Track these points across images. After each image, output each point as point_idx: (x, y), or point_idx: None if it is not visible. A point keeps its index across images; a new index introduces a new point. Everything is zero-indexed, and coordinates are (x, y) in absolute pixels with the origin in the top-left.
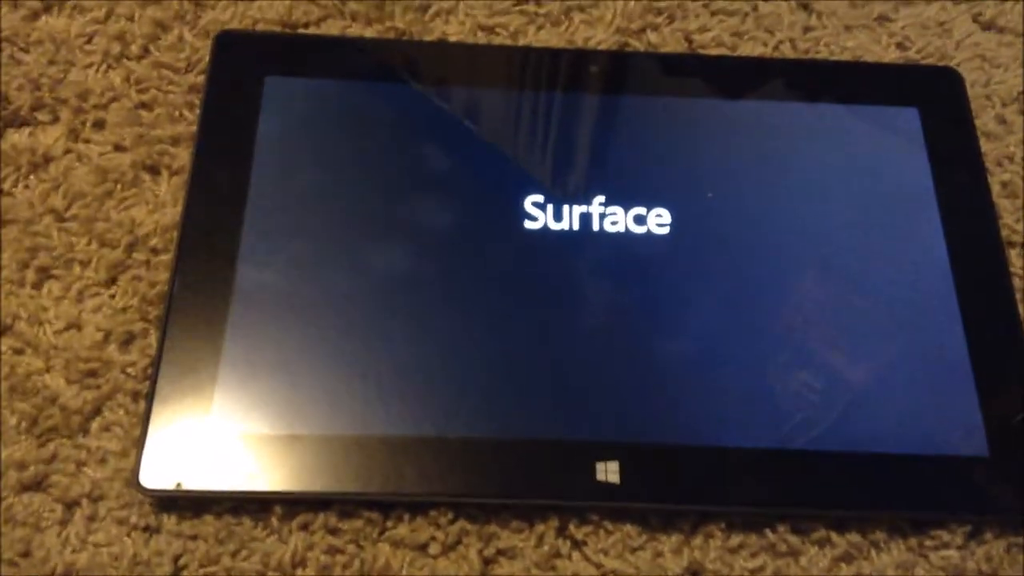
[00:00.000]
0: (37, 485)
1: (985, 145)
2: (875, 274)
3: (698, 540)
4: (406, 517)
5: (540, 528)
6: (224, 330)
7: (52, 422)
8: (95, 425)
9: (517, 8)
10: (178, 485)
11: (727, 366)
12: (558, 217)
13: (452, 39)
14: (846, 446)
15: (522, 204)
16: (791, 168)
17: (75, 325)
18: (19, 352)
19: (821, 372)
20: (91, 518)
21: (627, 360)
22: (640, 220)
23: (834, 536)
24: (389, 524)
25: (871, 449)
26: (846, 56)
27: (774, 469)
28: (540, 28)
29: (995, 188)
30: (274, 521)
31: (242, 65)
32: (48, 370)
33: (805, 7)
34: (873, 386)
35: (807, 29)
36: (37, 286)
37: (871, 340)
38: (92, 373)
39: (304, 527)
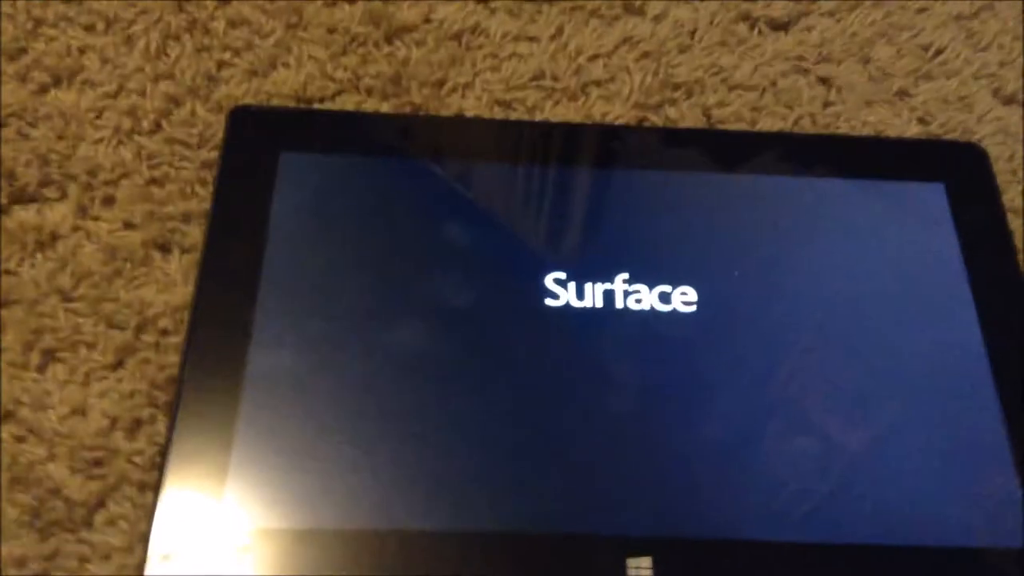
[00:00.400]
0: None
1: (1013, 221)
2: (908, 353)
3: None
4: None
5: None
6: (236, 416)
7: (55, 515)
8: (99, 519)
9: (534, 83)
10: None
11: (761, 453)
12: (580, 295)
13: (469, 114)
14: (889, 539)
15: (543, 281)
16: (817, 245)
17: (80, 411)
18: (21, 440)
19: (859, 461)
20: None
21: (656, 447)
22: (665, 298)
23: None
24: None
25: (913, 542)
26: (867, 131)
27: (815, 564)
28: (557, 103)
29: None
30: None
31: (257, 141)
32: (52, 459)
33: (824, 81)
34: (912, 476)
35: (826, 104)
36: (41, 369)
37: (907, 425)
38: (97, 463)
39: None
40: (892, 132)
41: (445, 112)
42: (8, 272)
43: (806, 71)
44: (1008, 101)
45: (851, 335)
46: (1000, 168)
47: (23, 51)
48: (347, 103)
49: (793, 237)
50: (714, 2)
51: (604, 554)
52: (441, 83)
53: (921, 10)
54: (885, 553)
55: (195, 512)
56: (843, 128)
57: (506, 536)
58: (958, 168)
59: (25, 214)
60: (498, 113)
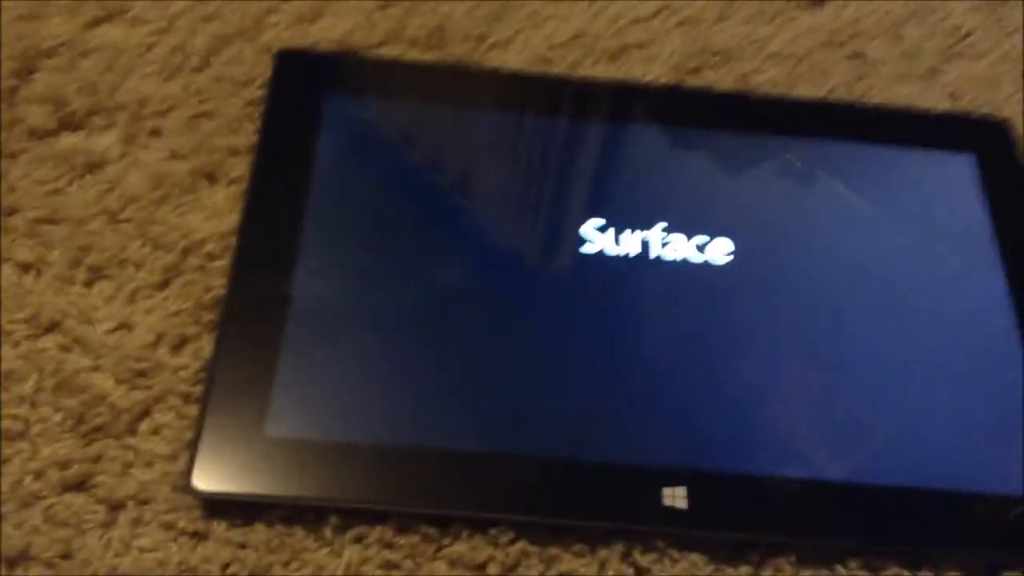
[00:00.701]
0: (80, 485)
1: None
2: (935, 309)
3: (767, 572)
4: (464, 534)
5: (603, 553)
6: (280, 336)
7: (99, 421)
8: (144, 426)
9: (574, 42)
10: (229, 489)
11: (796, 396)
12: (618, 242)
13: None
14: (920, 482)
15: (582, 228)
16: (849, 206)
17: (126, 325)
18: (67, 349)
19: (892, 406)
20: (136, 521)
21: (695, 386)
22: (702, 248)
23: (907, 575)
24: (446, 541)
25: (947, 486)
26: (898, 104)
27: (846, 503)
28: (596, 62)
29: None
30: (327, 533)
31: (302, 83)
32: (96, 369)
33: (857, 55)
34: (946, 422)
35: (859, 77)
36: (88, 285)
37: (936, 376)
38: (142, 374)
39: (358, 540)
40: (923, 107)
41: (486, 66)
42: (56, 192)
43: (840, 44)
44: None
45: (881, 291)
46: None
47: None
48: (390, 53)
49: (826, 199)
50: None
51: (641, 482)
52: (483, 38)
53: None
54: (914, 494)
55: (240, 423)
56: (875, 100)
57: (547, 462)
58: (988, 141)
59: (74, 139)
60: (538, 70)
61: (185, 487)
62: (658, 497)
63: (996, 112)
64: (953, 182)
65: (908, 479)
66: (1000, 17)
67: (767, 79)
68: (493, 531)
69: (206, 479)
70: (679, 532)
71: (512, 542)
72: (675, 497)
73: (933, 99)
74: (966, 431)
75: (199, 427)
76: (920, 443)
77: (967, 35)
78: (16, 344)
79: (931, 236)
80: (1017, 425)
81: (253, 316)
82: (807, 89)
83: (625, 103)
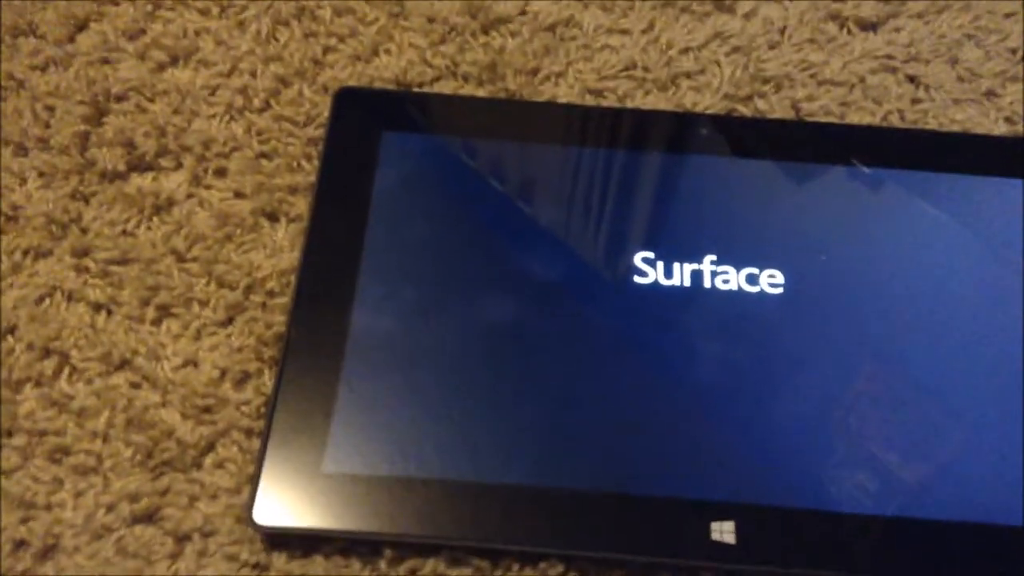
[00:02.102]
0: (149, 518)
1: None
2: (988, 341)
3: None
4: (515, 567)
5: None
6: (339, 371)
7: (167, 455)
8: (209, 460)
9: (625, 73)
10: (288, 524)
11: (843, 429)
12: (668, 274)
13: (562, 102)
14: (974, 517)
15: (633, 260)
16: (901, 233)
17: (192, 362)
18: (136, 386)
19: (940, 440)
20: (202, 553)
21: (743, 419)
22: (752, 280)
23: None
24: (497, 574)
25: (1003, 522)
26: (955, 129)
27: (897, 538)
28: (648, 93)
29: None
30: (383, 565)
31: (360, 121)
32: (164, 404)
33: (912, 80)
34: (1001, 457)
35: (914, 101)
36: (156, 323)
37: (991, 410)
38: (207, 409)
39: (412, 572)
40: (980, 131)
41: (538, 99)
42: (126, 233)
43: (894, 69)
44: None
45: (931, 324)
46: None
47: (142, 31)
48: (445, 89)
49: (878, 226)
50: (804, 1)
51: (690, 517)
52: (535, 72)
53: (1009, 14)
54: (965, 529)
55: (300, 458)
56: (931, 125)
57: (596, 496)
58: None
59: (142, 181)
60: (590, 101)
61: (247, 521)
62: (706, 531)
63: None
64: (1008, 208)
65: (959, 514)
66: None
67: (820, 106)
68: (543, 564)
69: (266, 514)
70: (727, 567)
71: (562, 575)
72: (723, 532)
73: (989, 123)
74: (1012, 464)
75: (259, 463)
76: (974, 478)
77: None
78: (89, 382)
79: (985, 265)
80: None
81: (312, 353)
82: (860, 115)
83: (676, 133)
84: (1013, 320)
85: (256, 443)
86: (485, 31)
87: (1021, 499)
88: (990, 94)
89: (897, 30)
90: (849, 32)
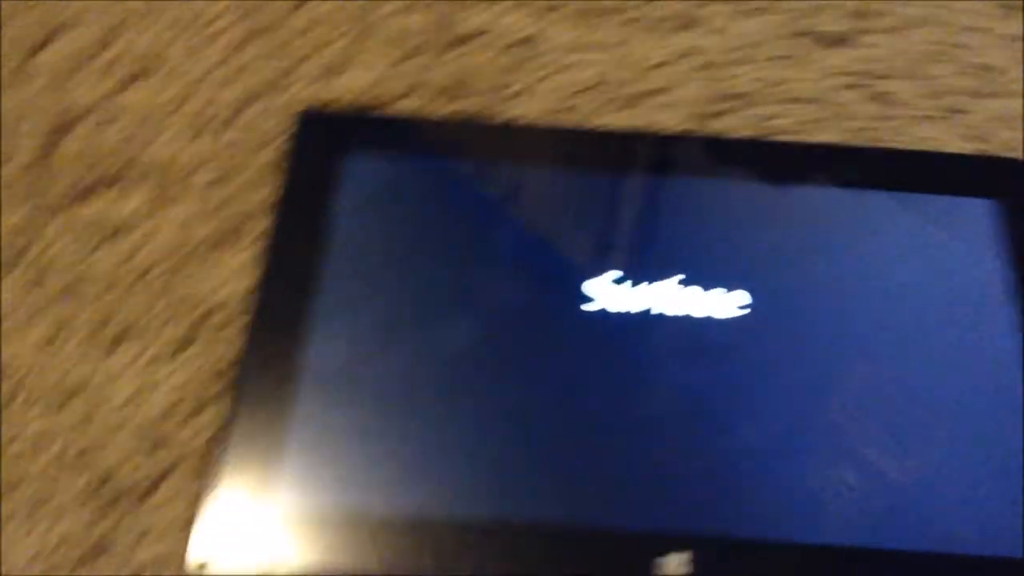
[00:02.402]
0: (97, 555)
1: None
2: (950, 366)
3: None
4: None
5: None
6: (294, 400)
7: (116, 491)
8: (159, 496)
9: (592, 91)
10: (236, 566)
11: (802, 457)
12: (630, 298)
13: (528, 119)
14: (932, 546)
15: (595, 283)
16: (868, 255)
17: (145, 392)
18: (87, 418)
19: (900, 467)
20: None
21: (701, 447)
22: (716, 303)
23: None
24: None
25: (958, 550)
26: (921, 147)
27: (852, 568)
28: (617, 110)
29: None
30: None
31: (324, 143)
32: (115, 437)
33: (880, 97)
34: (959, 483)
35: (882, 119)
36: (109, 351)
37: (947, 436)
38: (159, 442)
39: None
40: (947, 149)
41: (505, 116)
42: (81, 259)
43: (863, 86)
44: None
45: (896, 346)
46: None
47: (104, 49)
48: (411, 106)
49: (843, 248)
50: (773, 17)
51: (646, 548)
52: (504, 87)
53: (979, 29)
54: (925, 559)
55: (250, 496)
56: (898, 143)
57: (547, 528)
58: (1008, 184)
59: (100, 204)
60: (556, 120)
61: (194, 562)
62: (660, 563)
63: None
64: (974, 228)
65: (919, 543)
66: None
67: (788, 124)
68: None
69: (211, 556)
70: None
71: None
72: (679, 564)
73: (958, 140)
74: (979, 492)
75: (206, 501)
76: (932, 506)
77: (994, 73)
78: (41, 413)
79: (947, 286)
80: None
81: (265, 383)
82: (828, 133)
83: (642, 154)
84: (981, 341)
85: (207, 477)
86: (452, 48)
87: (987, 530)
88: (958, 111)
89: (866, 46)
90: (818, 48)
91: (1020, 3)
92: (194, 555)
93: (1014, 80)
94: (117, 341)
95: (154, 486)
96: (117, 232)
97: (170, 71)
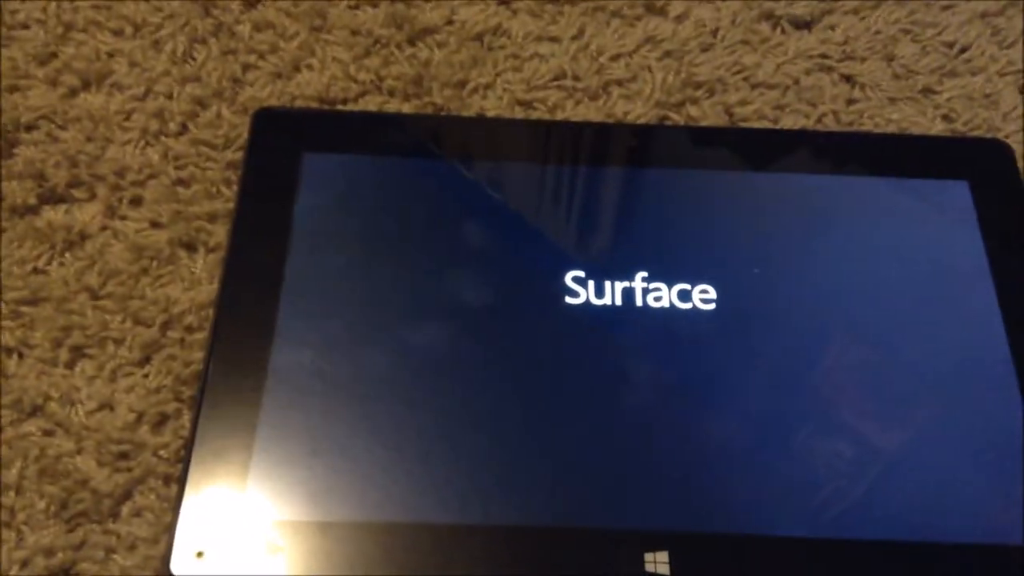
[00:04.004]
0: (65, 572)
1: None
2: (931, 350)
3: None
4: None
5: None
6: (258, 411)
7: (82, 506)
8: (126, 510)
9: (555, 83)
10: (209, 572)
11: (778, 450)
12: (600, 293)
13: (490, 114)
14: (913, 535)
15: (563, 279)
16: (838, 243)
17: (108, 405)
18: (49, 433)
19: (878, 457)
20: None
21: (674, 443)
22: (685, 296)
23: None
24: None
25: (941, 539)
26: (891, 129)
27: (832, 560)
28: (578, 103)
29: None
30: None
31: (280, 142)
32: (79, 452)
33: (848, 79)
34: (933, 472)
35: (850, 102)
36: (70, 365)
37: (928, 423)
38: (124, 455)
39: None
40: (917, 130)
41: (467, 112)
42: (38, 271)
43: (829, 69)
44: None
45: (873, 333)
46: None
47: (53, 55)
48: (370, 104)
49: (815, 235)
50: (736, 1)
51: (622, 548)
52: (463, 84)
53: (946, 7)
54: (902, 549)
55: (218, 504)
56: (867, 126)
57: (523, 530)
58: (982, 165)
59: (54, 214)
60: (519, 113)
61: (165, 573)
62: (640, 563)
63: (995, 131)
64: (947, 211)
65: (901, 534)
66: (997, 29)
67: (753, 110)
68: None
69: (183, 564)
70: None
71: None
72: (656, 563)
73: (926, 122)
74: (958, 481)
75: (176, 511)
76: (911, 495)
77: (962, 50)
78: (3, 430)
79: (925, 270)
80: (1008, 471)
81: (231, 391)
82: (795, 118)
83: (604, 145)
84: (958, 331)
85: (174, 489)
86: (411, 42)
87: (962, 514)
88: (927, 91)
89: (831, 28)
90: (783, 32)
91: None
92: (165, 567)
93: (982, 58)
94: (77, 355)
95: (122, 500)
96: (72, 244)
97: (121, 78)
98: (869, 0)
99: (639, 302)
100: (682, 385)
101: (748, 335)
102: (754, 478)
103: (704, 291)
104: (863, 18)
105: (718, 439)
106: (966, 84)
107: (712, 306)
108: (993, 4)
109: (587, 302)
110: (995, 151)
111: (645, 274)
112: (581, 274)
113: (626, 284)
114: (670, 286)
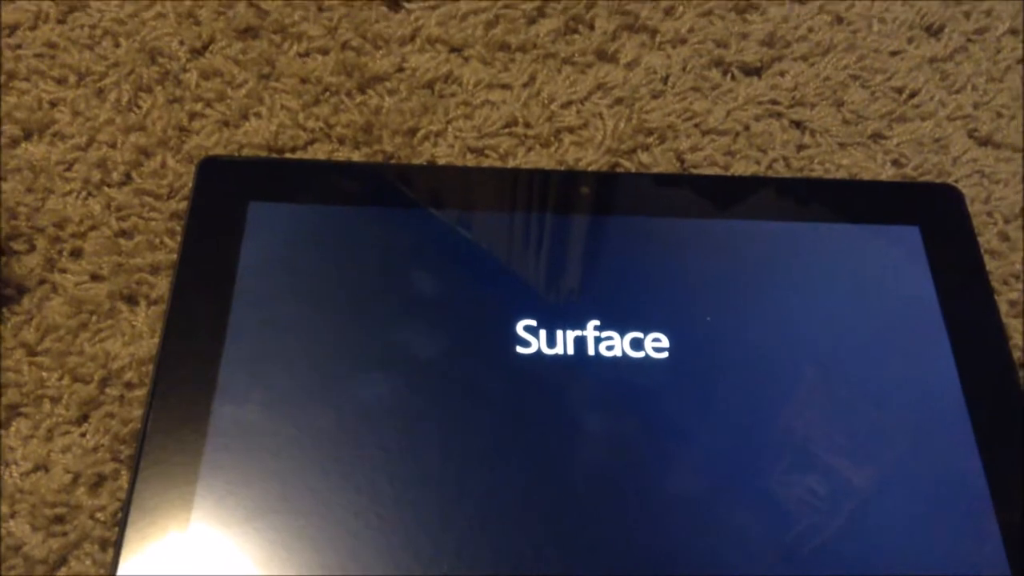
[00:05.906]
0: None
1: (990, 263)
2: (884, 397)
3: None
4: None
5: None
6: (198, 471)
7: (15, 573)
8: (63, 573)
9: (507, 130)
10: None
11: (738, 496)
12: (552, 342)
13: (441, 162)
14: (868, 571)
15: (514, 329)
16: (791, 289)
17: (43, 467)
18: None
19: (833, 499)
20: None
21: (628, 494)
22: (637, 345)
23: None
24: None
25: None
26: (842, 174)
27: None
28: (530, 150)
29: (1003, 307)
30: None
31: (225, 191)
32: (12, 516)
33: (797, 125)
34: (888, 509)
35: (800, 147)
36: (4, 425)
37: (883, 463)
38: (59, 519)
39: None
40: (867, 175)
41: (417, 160)
42: None
43: (779, 115)
44: (984, 142)
45: (826, 380)
46: (977, 210)
47: None
48: (319, 152)
49: (766, 282)
50: (686, 48)
51: None
52: (413, 131)
53: (894, 53)
54: None
55: (155, 570)
56: (817, 171)
57: None
58: (933, 210)
59: None
60: (471, 161)
61: None
62: None
63: (945, 175)
64: (899, 256)
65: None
66: (945, 74)
67: (704, 157)
68: None
69: None
70: None
71: None
72: None
73: (876, 167)
74: (917, 518)
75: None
76: (875, 540)
77: (911, 95)
78: None
79: (877, 316)
80: (959, 504)
81: (170, 451)
82: (746, 164)
83: (555, 193)
84: (912, 374)
85: (111, 554)
86: (361, 90)
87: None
88: (877, 136)
89: (781, 74)
90: (733, 78)
91: (933, 25)
92: None
93: (931, 103)
94: (12, 414)
95: (56, 566)
96: (9, 298)
97: (63, 127)
98: (818, 47)
99: (591, 351)
100: (636, 434)
101: (701, 383)
102: (711, 525)
103: (656, 339)
104: (812, 64)
105: (673, 487)
106: (916, 129)
107: (665, 355)
108: (941, 50)
109: (539, 351)
110: (946, 196)
111: (597, 322)
112: (533, 323)
113: (578, 333)
114: (622, 335)
